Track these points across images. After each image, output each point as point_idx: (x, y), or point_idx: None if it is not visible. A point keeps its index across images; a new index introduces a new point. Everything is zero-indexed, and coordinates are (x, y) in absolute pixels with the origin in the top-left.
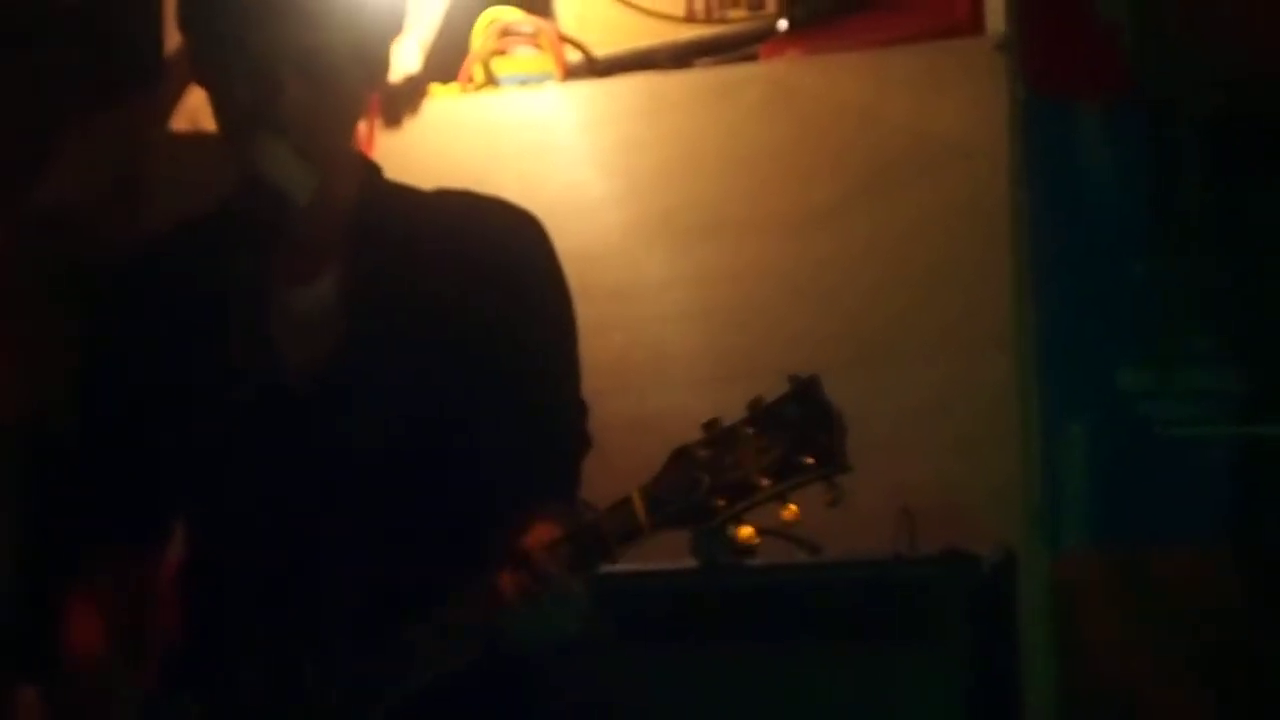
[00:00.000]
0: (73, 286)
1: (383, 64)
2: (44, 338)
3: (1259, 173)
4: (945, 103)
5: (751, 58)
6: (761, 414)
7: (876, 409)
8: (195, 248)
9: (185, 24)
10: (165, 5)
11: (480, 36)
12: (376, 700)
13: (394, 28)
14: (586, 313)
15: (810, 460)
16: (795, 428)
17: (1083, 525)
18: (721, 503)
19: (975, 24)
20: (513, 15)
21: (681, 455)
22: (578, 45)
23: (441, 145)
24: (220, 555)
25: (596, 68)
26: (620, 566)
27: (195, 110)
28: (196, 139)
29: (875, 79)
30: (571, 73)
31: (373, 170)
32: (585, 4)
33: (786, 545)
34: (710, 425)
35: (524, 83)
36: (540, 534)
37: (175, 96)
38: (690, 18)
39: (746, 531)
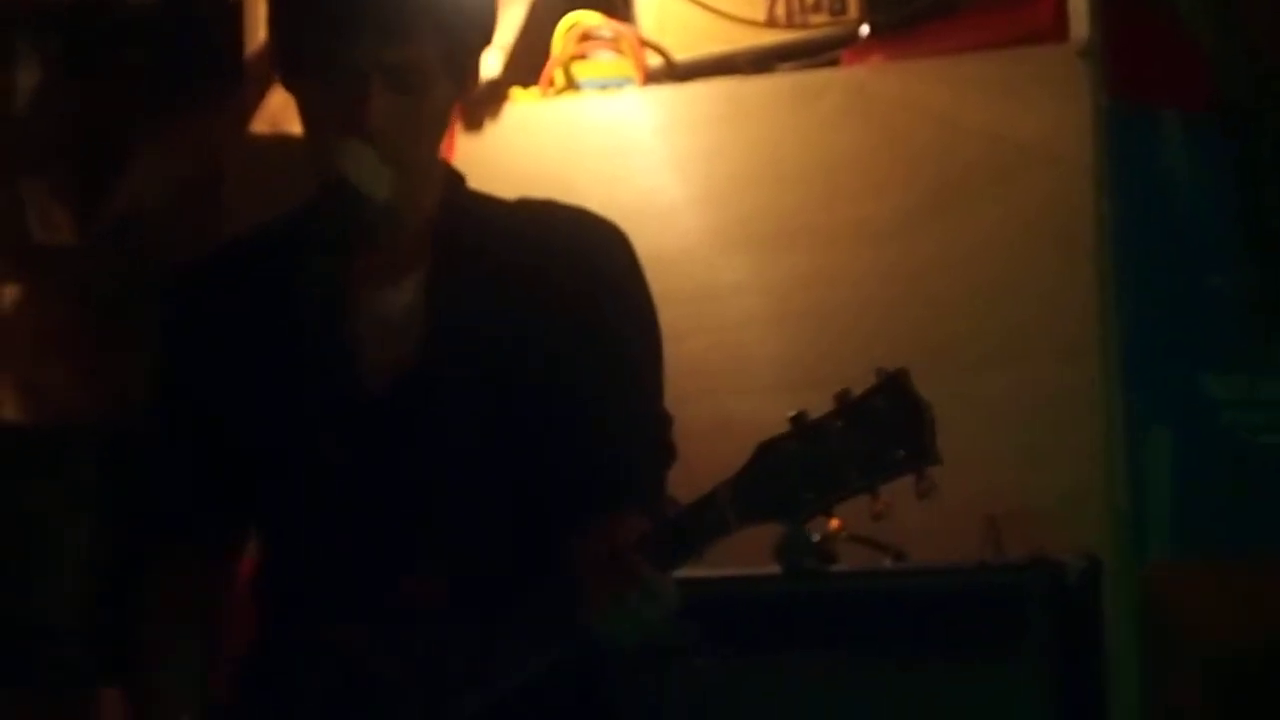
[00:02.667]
0: (150, 288)
1: (472, 74)
2: (121, 339)
3: None
4: (1027, 109)
5: (833, 63)
6: (850, 407)
7: (957, 415)
8: (276, 249)
9: (275, 30)
10: (245, 7)
11: (561, 41)
12: (459, 700)
13: (484, 38)
14: (666, 317)
15: (900, 453)
16: (884, 420)
17: (1168, 533)
18: (810, 495)
19: (1059, 31)
20: (593, 20)
21: (768, 449)
22: (658, 50)
23: (522, 149)
24: (299, 557)
25: (676, 72)
26: (702, 572)
27: (275, 113)
28: (276, 141)
29: (956, 85)
30: (651, 77)
31: (456, 178)
32: (666, 8)
33: (870, 552)
34: (797, 418)
35: (604, 87)
36: (623, 531)
37: (255, 99)
38: (771, 22)
39: (835, 524)
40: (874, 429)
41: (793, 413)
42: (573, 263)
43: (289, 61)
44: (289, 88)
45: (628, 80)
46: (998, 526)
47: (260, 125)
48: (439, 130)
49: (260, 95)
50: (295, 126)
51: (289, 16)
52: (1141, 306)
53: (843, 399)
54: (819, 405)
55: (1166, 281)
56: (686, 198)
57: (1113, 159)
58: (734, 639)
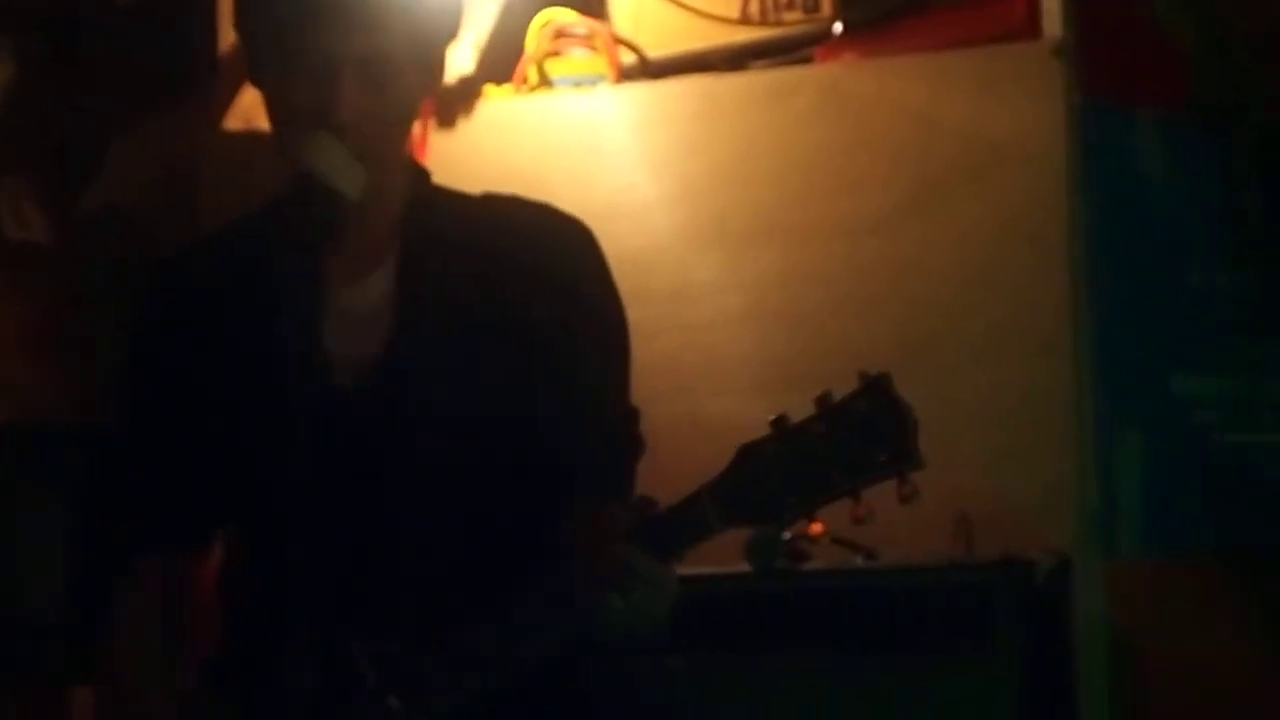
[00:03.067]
0: (125, 286)
1: (438, 68)
2: (95, 338)
3: None
4: (1001, 107)
5: (806, 60)
6: (832, 410)
7: (929, 415)
8: (245, 245)
9: (242, 24)
10: (219, 5)
11: (534, 38)
12: (438, 703)
13: (450, 32)
14: (640, 315)
15: (883, 456)
16: (866, 424)
17: (1138, 532)
18: (793, 499)
19: (1032, 28)
20: (567, 17)
21: (750, 452)
22: (632, 47)
23: (495, 146)
24: (271, 555)
25: (650, 70)
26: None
27: (249, 110)
28: (250, 138)
29: (930, 83)
30: (625, 74)
31: (422, 175)
32: (640, 6)
33: (841, 550)
34: (778, 422)
35: (578, 84)
36: (604, 523)
37: (229, 96)
38: (745, 20)
39: (818, 528)
40: (856, 432)
41: (773, 415)
42: (538, 259)
43: (256, 56)
44: (256, 83)
45: (601, 78)
46: (969, 524)
47: (234, 122)
48: (407, 125)
49: (233, 92)
50: (268, 123)
51: (255, 11)
52: (1114, 305)
53: (824, 402)
54: (794, 404)
55: (1139, 280)
56: (660, 196)
57: (1086, 157)
58: (705, 638)
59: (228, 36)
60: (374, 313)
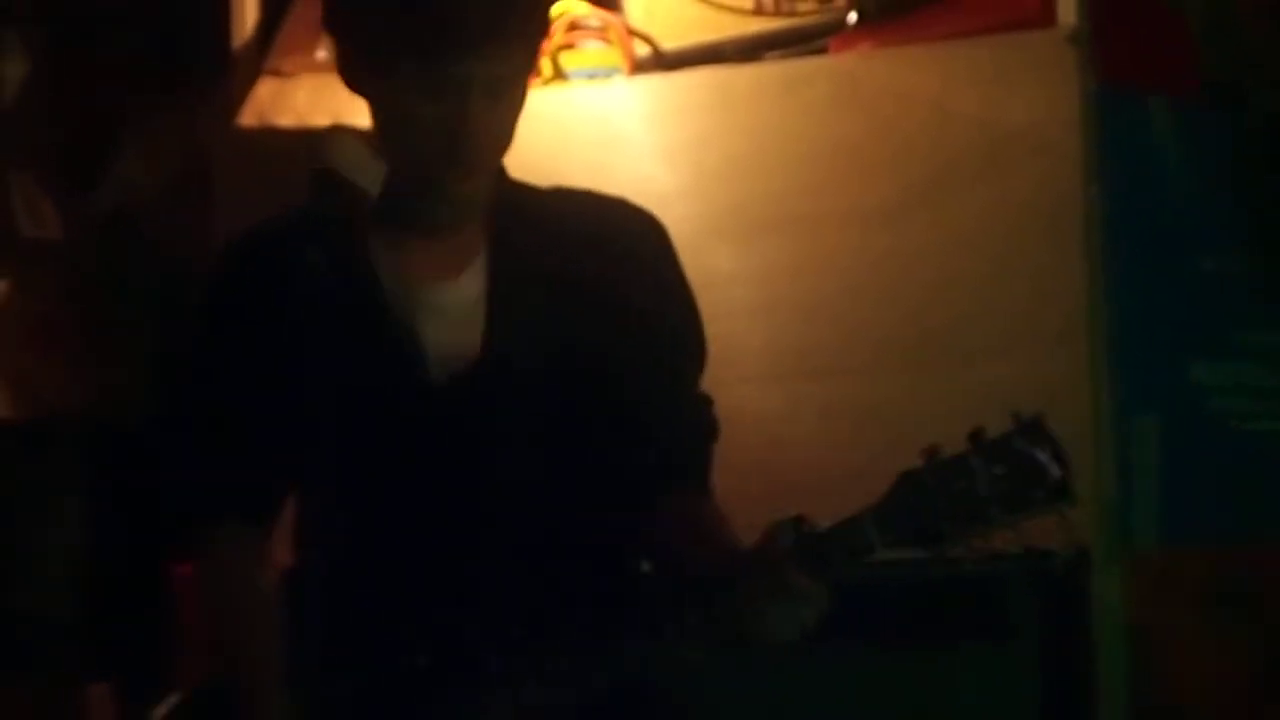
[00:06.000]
0: (139, 280)
1: (538, 66)
2: (110, 330)
3: None
4: (1015, 96)
5: (821, 51)
6: (987, 446)
7: (943, 405)
8: (302, 241)
9: (347, 33)
10: None
11: None
12: (560, 695)
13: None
14: None
15: (1040, 493)
16: (1022, 461)
17: (1156, 522)
18: (950, 527)
19: (1046, 16)
20: (581, 9)
21: (909, 478)
22: (646, 39)
23: None
24: (356, 547)
25: (664, 62)
26: None
27: (263, 106)
28: (264, 134)
29: (945, 72)
30: (639, 67)
31: (500, 169)
32: None
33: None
34: (931, 452)
35: (592, 77)
36: (700, 514)
37: (242, 92)
38: (759, 11)
39: None
40: (1013, 468)
41: (926, 446)
42: (622, 249)
43: (364, 66)
44: (361, 93)
45: (615, 70)
46: None
47: (248, 118)
48: (515, 128)
49: (247, 88)
50: (283, 119)
51: (370, 22)
52: (1130, 293)
53: (979, 437)
54: (808, 394)
55: (1155, 267)
56: (675, 187)
57: (1102, 144)
58: None
59: (241, 31)
60: (468, 310)
